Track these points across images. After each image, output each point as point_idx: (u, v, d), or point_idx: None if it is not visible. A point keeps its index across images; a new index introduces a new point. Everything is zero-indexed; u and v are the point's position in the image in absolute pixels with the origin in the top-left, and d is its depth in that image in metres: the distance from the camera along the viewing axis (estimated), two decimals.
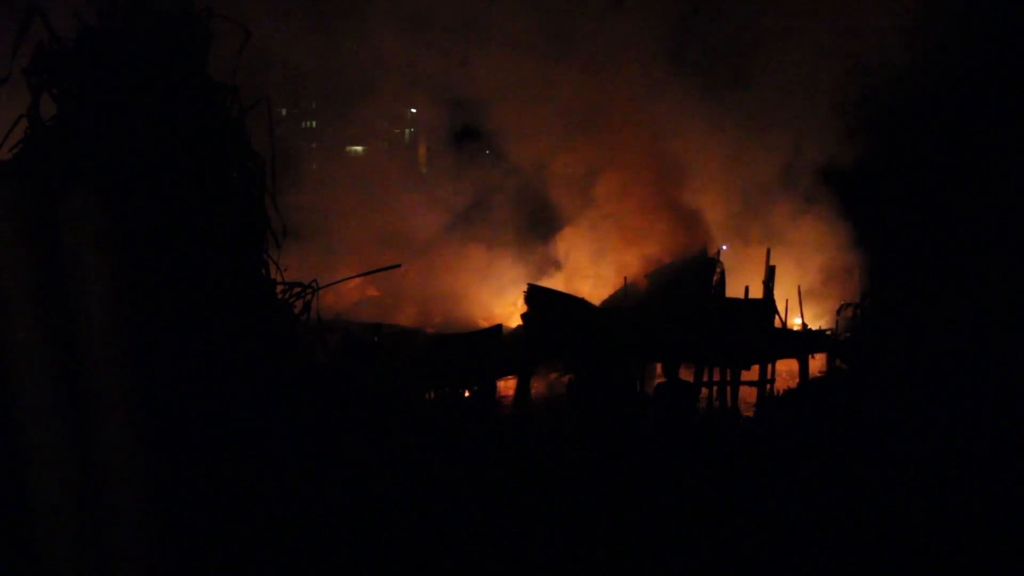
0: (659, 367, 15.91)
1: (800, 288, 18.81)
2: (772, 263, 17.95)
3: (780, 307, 17.43)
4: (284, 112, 29.45)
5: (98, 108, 5.34)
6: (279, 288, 6.42)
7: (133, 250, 4.84)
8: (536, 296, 18.17)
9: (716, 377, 15.53)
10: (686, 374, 14.28)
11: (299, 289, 6.52)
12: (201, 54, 5.92)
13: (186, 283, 5.33)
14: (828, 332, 17.45)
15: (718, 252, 19.70)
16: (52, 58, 5.38)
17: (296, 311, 6.53)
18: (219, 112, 5.99)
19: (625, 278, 21.34)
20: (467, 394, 14.47)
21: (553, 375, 17.76)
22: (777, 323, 17.40)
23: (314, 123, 32.00)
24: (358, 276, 9.44)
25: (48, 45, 5.41)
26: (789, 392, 14.24)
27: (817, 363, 16.76)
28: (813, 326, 18.89)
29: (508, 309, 22.43)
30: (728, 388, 15.35)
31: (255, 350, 5.81)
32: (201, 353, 5.26)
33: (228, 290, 5.68)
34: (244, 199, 6.07)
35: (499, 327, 17.48)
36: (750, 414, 14.83)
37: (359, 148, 34.83)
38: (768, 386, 15.91)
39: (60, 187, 4.29)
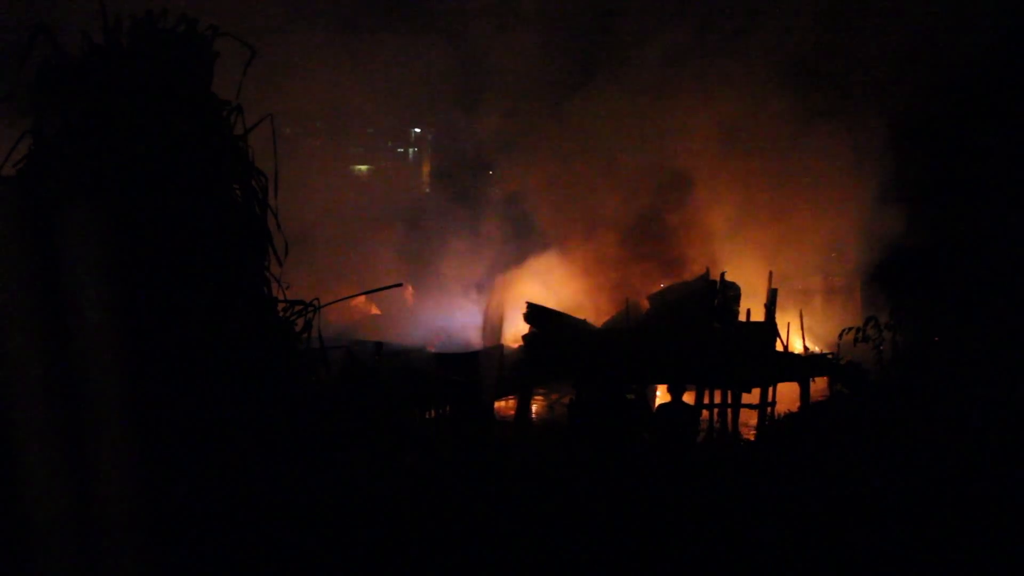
0: (660, 388, 15.89)
1: (802, 312, 18.81)
2: (774, 286, 17.95)
3: (782, 330, 17.42)
4: (289, 131, 29.52)
5: (102, 125, 5.37)
6: (280, 306, 6.40)
7: (134, 266, 4.85)
8: (536, 316, 18.12)
9: (717, 399, 15.50)
10: (687, 396, 14.27)
11: (301, 307, 6.49)
12: (206, 72, 5.96)
13: (187, 300, 5.34)
14: (830, 356, 17.39)
15: (722, 275, 19.66)
16: (57, 75, 5.41)
17: (297, 329, 6.50)
18: (223, 129, 6.01)
19: (627, 299, 21.32)
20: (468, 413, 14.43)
21: (554, 396, 17.70)
22: (779, 346, 17.37)
23: (319, 142, 32.10)
24: (360, 295, 9.52)
25: (53, 63, 5.44)
26: (790, 415, 14.19)
27: (819, 387, 16.70)
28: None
29: (510, 329, 22.42)
30: (729, 411, 15.32)
31: (255, 368, 5.80)
32: (200, 370, 5.26)
33: (229, 307, 5.68)
34: (246, 216, 6.07)
35: (500, 347, 17.45)
36: (751, 437, 14.78)
37: (363, 167, 34.93)
38: (769, 409, 15.86)
39: (62, 203, 4.32)
